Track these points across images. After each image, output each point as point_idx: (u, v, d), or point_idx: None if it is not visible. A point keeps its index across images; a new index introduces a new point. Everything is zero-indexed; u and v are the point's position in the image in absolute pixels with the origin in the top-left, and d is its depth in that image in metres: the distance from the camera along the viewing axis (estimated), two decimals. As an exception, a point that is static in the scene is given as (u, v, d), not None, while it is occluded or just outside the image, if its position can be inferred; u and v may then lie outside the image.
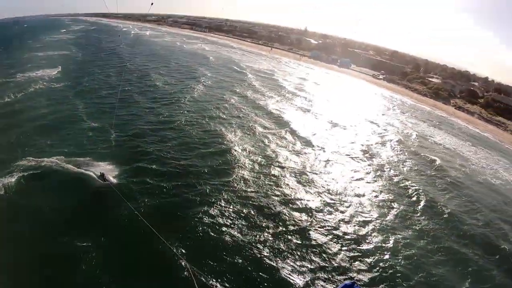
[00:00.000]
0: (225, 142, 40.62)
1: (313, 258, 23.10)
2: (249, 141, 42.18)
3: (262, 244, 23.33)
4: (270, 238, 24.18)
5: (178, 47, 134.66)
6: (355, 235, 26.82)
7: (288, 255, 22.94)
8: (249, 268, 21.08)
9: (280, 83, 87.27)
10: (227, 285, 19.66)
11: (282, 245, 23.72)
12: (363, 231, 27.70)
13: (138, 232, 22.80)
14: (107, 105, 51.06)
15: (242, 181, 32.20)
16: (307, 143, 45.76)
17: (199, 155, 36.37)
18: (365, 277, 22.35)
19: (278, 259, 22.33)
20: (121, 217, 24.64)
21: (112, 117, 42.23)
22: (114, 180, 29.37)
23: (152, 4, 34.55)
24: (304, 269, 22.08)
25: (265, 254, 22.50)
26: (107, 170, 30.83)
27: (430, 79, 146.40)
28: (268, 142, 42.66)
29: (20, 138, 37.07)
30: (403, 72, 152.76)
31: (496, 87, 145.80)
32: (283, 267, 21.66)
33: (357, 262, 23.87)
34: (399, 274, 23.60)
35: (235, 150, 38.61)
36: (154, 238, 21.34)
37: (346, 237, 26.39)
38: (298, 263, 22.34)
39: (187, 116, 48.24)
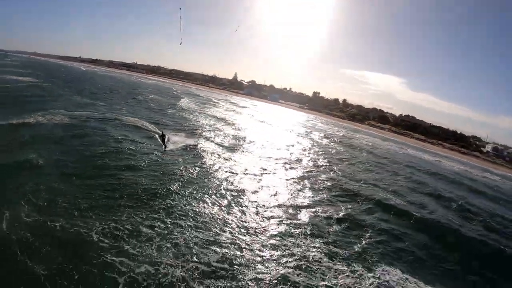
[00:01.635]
0: (218, 123, 52.76)
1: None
2: (239, 122, 55.95)
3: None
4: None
5: (138, 81, 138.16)
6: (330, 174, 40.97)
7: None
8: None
9: (240, 105, 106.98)
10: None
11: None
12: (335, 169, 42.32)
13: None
14: (112, 99, 56.79)
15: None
16: (274, 127, 61.76)
17: (214, 128, 47.17)
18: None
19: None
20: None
21: (124, 106, 49.93)
22: (170, 144, 29.91)
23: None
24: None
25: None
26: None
27: (348, 109, 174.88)
28: (248, 124, 56.97)
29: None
30: (325, 105, 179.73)
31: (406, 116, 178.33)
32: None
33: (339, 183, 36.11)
34: (357, 177, 38.73)
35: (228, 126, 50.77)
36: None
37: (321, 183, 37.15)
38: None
39: (190, 112, 58.95)
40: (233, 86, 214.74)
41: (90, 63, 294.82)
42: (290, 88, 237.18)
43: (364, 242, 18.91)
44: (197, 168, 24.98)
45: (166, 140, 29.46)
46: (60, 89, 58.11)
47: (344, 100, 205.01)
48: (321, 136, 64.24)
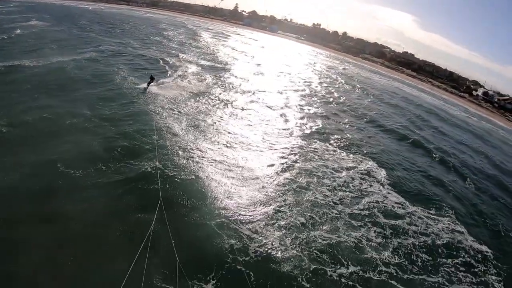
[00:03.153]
0: (235, 53, 61.42)
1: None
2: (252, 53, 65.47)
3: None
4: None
5: (147, 16, 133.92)
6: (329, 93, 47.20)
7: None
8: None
9: (247, 36, 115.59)
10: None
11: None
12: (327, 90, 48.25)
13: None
14: (142, 38, 62.20)
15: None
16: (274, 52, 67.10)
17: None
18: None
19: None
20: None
21: (159, 44, 58.19)
22: (155, 89, 30.13)
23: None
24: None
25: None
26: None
27: (345, 42, 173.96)
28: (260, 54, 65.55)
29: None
30: (324, 37, 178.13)
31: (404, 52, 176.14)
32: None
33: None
34: (343, 97, 44.24)
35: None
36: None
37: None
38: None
39: (212, 44, 68.94)
40: (234, 17, 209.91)
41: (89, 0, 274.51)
42: (291, 19, 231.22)
43: (345, 135, 28.81)
44: (227, 84, 36.72)
45: (150, 83, 30.32)
46: (83, 32, 58.70)
47: (344, 33, 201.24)
48: (320, 67, 73.07)
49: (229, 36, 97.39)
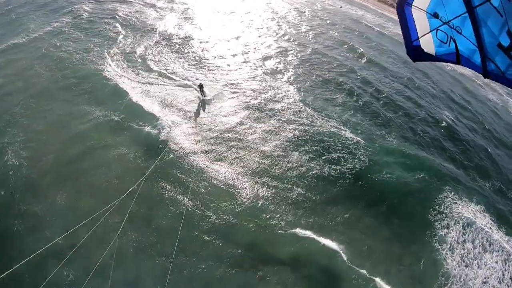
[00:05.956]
0: None
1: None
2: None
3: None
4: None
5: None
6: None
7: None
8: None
9: None
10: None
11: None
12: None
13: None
14: None
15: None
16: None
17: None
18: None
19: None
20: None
21: None
22: (208, 96, 25.50)
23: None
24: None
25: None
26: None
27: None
28: None
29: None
30: None
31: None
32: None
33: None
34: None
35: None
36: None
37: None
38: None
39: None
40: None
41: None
42: None
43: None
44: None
45: (203, 92, 25.07)
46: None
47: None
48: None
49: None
